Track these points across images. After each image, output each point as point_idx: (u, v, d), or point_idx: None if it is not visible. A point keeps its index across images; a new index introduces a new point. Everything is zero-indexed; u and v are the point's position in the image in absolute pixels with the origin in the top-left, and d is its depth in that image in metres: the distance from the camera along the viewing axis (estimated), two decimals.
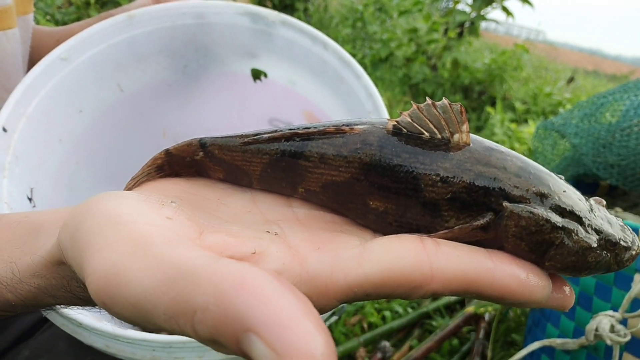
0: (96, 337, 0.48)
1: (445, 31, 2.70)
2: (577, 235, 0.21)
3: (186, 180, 0.29)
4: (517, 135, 1.96)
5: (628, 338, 0.59)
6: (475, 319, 1.01)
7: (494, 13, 2.39)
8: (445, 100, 0.23)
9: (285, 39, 0.66)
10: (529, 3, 2.42)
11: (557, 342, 0.69)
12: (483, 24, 2.66)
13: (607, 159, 0.79)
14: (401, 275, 0.19)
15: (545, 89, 2.65)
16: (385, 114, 0.59)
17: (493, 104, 2.52)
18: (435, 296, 0.20)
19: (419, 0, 2.79)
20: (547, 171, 0.23)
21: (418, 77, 2.67)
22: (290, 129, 0.25)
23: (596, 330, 0.61)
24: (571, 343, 0.67)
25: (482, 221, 0.22)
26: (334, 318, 0.65)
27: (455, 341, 0.98)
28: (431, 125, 0.23)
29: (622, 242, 0.22)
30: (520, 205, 0.21)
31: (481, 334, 0.97)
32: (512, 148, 1.94)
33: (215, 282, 0.16)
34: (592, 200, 0.24)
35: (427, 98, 0.24)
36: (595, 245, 0.22)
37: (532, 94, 2.62)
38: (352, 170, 0.24)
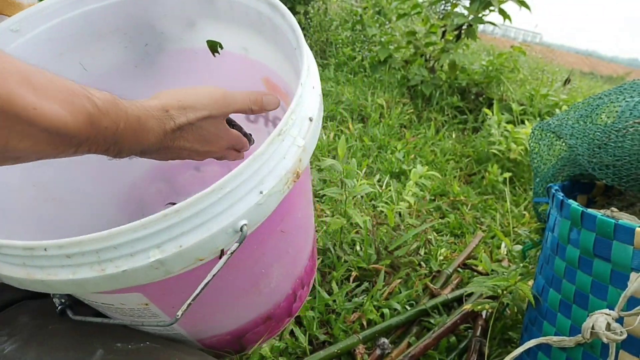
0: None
1: (443, 34, 2.71)
2: None
3: None
4: (514, 136, 1.97)
5: (624, 336, 0.59)
6: (472, 317, 1.02)
7: (491, 16, 2.40)
8: None
9: (225, 1, 0.66)
10: (526, 6, 2.43)
11: (553, 339, 0.70)
12: (480, 27, 2.67)
13: (602, 159, 0.79)
14: None
15: (542, 91, 2.66)
16: (305, 47, 0.57)
17: (490, 106, 2.54)
18: None
19: (418, 3, 2.80)
20: None
21: (416, 79, 2.68)
22: None
23: (592, 328, 0.61)
24: (567, 341, 0.67)
25: None
26: (235, 245, 0.46)
27: (452, 339, 0.99)
28: None
29: None
30: None
31: (478, 331, 0.97)
32: (509, 148, 1.95)
33: None
34: None
35: None
36: None
37: (529, 95, 2.63)
38: None
